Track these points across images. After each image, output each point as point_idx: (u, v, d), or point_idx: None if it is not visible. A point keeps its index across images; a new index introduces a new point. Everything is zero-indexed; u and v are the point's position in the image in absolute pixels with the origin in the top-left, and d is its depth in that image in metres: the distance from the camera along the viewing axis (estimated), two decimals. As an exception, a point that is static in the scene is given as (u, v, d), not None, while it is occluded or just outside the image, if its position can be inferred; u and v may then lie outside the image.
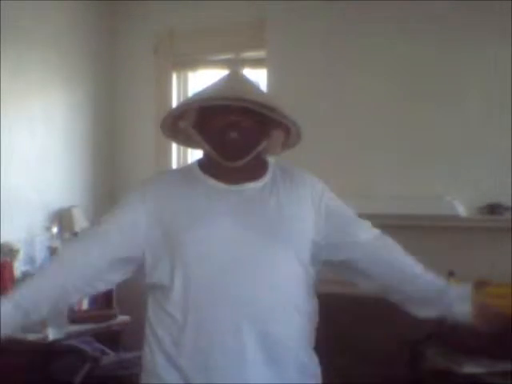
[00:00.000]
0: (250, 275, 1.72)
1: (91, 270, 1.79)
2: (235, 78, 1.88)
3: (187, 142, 1.93)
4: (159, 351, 1.76)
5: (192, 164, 1.92)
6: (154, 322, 1.79)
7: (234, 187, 1.80)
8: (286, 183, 1.85)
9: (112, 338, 4.26)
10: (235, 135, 1.74)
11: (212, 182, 1.81)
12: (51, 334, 3.80)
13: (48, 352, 3.80)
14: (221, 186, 1.81)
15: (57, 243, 4.67)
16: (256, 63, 4.96)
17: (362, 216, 1.96)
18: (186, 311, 1.73)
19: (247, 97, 1.75)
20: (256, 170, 1.84)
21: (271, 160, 1.92)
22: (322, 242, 1.84)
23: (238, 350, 1.70)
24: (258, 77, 4.92)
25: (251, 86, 1.86)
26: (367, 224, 1.92)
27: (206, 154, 1.87)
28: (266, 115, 1.78)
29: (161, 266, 1.77)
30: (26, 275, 4.43)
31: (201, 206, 1.77)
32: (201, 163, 1.88)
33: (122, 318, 4.42)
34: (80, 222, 4.85)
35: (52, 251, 4.58)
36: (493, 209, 4.05)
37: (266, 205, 1.79)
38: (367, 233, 1.89)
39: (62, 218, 4.85)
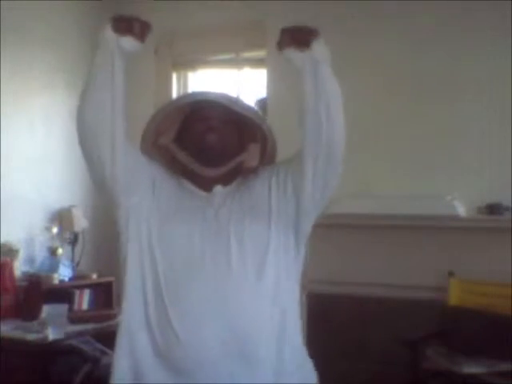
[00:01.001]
0: (215, 271, 1.74)
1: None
2: (213, 92, 1.92)
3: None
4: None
5: None
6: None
7: (208, 195, 1.84)
8: (247, 182, 1.88)
9: (112, 338, 4.24)
10: (213, 138, 1.81)
11: (191, 187, 1.86)
12: (51, 334, 3.79)
13: (48, 352, 3.80)
14: (199, 192, 1.85)
15: (57, 243, 4.67)
16: (256, 63, 4.96)
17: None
18: (147, 302, 1.76)
19: (220, 98, 1.82)
20: (228, 177, 1.88)
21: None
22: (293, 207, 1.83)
23: (203, 345, 1.70)
24: (258, 77, 4.93)
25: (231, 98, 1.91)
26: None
27: (185, 170, 1.90)
28: (242, 128, 1.85)
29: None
30: (25, 275, 4.44)
31: (180, 207, 1.82)
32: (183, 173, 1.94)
33: (122, 318, 4.41)
34: (80, 221, 4.85)
35: (52, 251, 4.59)
36: (493, 209, 4.05)
37: (229, 208, 1.82)
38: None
39: (62, 217, 4.85)
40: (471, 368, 3.56)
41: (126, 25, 1.75)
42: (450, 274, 4.11)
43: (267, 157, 1.92)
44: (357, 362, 4.12)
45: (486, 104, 4.15)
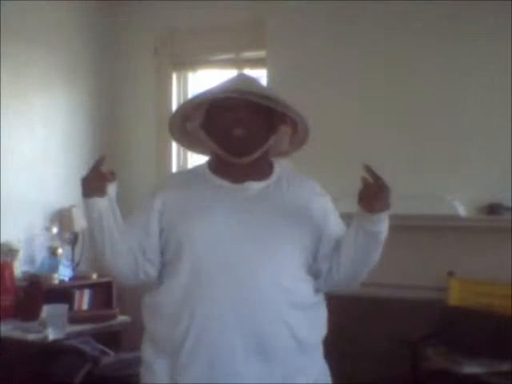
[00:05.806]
0: (244, 270, 1.73)
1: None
2: (241, 77, 1.95)
3: (193, 146, 1.98)
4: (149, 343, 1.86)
5: (202, 164, 1.95)
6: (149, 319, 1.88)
7: (238, 186, 1.83)
8: (290, 186, 1.88)
9: (112, 338, 4.26)
10: (239, 132, 1.78)
11: (218, 181, 1.85)
12: (51, 334, 3.80)
13: (48, 352, 3.80)
14: (226, 184, 1.84)
15: (57, 243, 4.67)
16: (256, 63, 4.96)
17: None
18: (179, 304, 1.76)
19: (249, 90, 1.79)
20: (262, 171, 1.87)
21: (277, 165, 1.94)
22: (315, 242, 1.85)
23: (225, 346, 1.71)
24: (258, 77, 4.92)
25: (256, 83, 1.90)
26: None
27: (213, 154, 1.89)
28: (271, 110, 1.82)
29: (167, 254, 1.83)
30: (25, 275, 4.44)
31: (202, 202, 1.81)
32: (210, 163, 1.92)
33: (122, 318, 4.42)
34: (80, 221, 4.84)
35: (52, 251, 4.58)
36: (493, 209, 4.05)
37: (266, 203, 1.82)
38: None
39: (61, 217, 4.84)
40: (471, 368, 3.56)
41: (91, 187, 1.90)
42: (450, 274, 4.11)
43: (298, 140, 1.92)
44: (357, 362, 4.11)
45: (486, 104, 4.15)
